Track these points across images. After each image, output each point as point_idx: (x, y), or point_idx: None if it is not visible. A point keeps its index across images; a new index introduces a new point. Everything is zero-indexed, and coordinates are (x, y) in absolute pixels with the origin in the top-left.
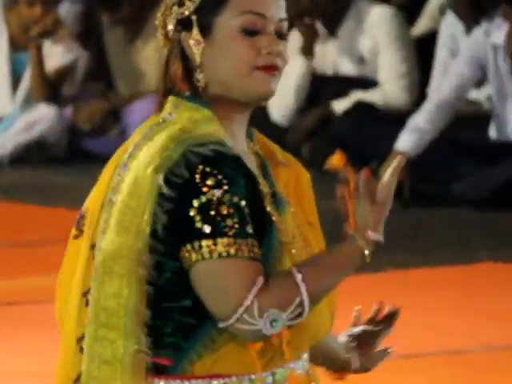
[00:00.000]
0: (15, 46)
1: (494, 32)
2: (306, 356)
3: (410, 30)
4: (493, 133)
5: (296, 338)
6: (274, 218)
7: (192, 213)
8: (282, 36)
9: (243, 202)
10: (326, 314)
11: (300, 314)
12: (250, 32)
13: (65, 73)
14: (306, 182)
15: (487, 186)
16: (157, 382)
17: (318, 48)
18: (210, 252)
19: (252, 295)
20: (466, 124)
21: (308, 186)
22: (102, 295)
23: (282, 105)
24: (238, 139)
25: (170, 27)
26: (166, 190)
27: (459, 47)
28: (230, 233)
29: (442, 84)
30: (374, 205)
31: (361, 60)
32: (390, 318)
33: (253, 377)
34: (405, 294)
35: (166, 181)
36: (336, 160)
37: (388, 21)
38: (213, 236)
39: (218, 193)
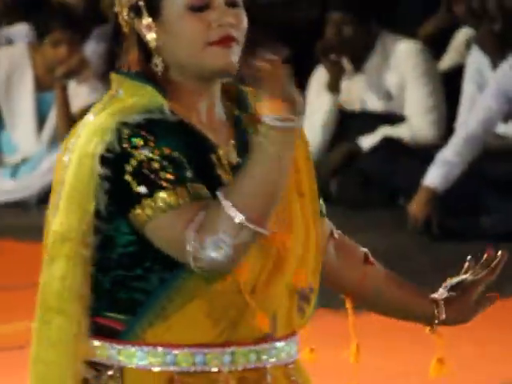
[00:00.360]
0: (40, 86)
1: None
2: (282, 346)
3: (436, 64)
4: None
5: (245, 316)
6: (224, 178)
7: (127, 179)
8: (234, 4)
9: (176, 153)
10: (281, 294)
11: (247, 230)
12: (198, 8)
13: None
14: (303, 152)
15: None
16: (107, 346)
17: (345, 84)
18: (153, 210)
19: (190, 232)
20: (493, 158)
21: (305, 156)
22: (50, 278)
23: (310, 140)
24: (203, 113)
25: (125, 16)
26: (102, 169)
27: (486, 81)
28: (166, 184)
29: (470, 118)
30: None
31: (387, 95)
32: (493, 265)
33: (206, 351)
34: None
35: (103, 159)
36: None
37: (414, 56)
38: (151, 194)
39: (146, 151)
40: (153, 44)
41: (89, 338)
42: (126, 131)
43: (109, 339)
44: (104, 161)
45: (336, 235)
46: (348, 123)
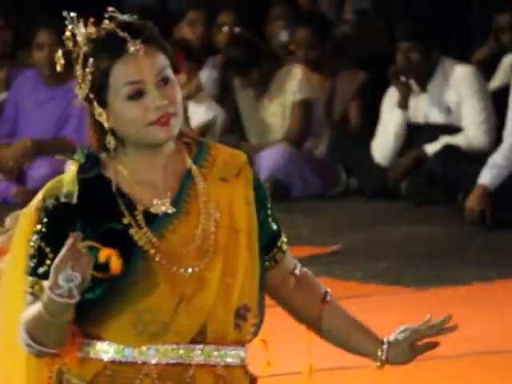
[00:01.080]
0: None
1: None
2: (211, 350)
3: (487, 84)
4: None
5: (174, 325)
6: (134, 235)
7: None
8: (165, 81)
9: (47, 248)
10: (217, 309)
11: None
12: (133, 96)
13: (207, 128)
14: (242, 192)
15: None
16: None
17: (412, 101)
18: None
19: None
20: None
21: (241, 194)
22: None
23: (383, 149)
24: (143, 170)
25: (80, 97)
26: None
27: None
28: (29, 271)
29: None
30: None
31: (447, 110)
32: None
33: (135, 347)
34: (492, 300)
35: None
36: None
37: (469, 77)
38: (28, 270)
39: (34, 238)
40: (106, 126)
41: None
42: (40, 214)
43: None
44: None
45: (297, 272)
46: (415, 134)
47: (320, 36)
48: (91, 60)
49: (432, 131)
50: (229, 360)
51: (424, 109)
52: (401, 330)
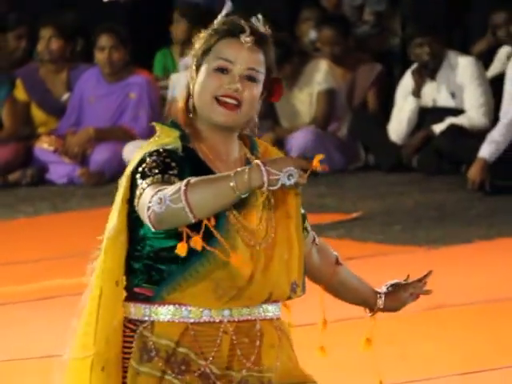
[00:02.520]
0: None
1: None
2: (270, 308)
3: (485, 72)
4: None
5: (249, 292)
6: None
7: (137, 177)
8: (251, 79)
9: (172, 161)
10: (278, 279)
11: (178, 194)
12: (219, 69)
13: None
14: (294, 197)
15: None
16: (142, 307)
17: (423, 89)
18: (139, 190)
19: (153, 196)
20: None
21: (294, 190)
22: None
23: (397, 130)
24: (220, 148)
25: (191, 68)
26: (130, 182)
27: None
28: (151, 175)
29: (509, 109)
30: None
31: (452, 95)
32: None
33: (211, 308)
34: (493, 255)
35: (132, 174)
36: (315, 164)
37: (471, 67)
38: (143, 180)
39: (153, 158)
40: (190, 88)
41: (129, 303)
42: (147, 157)
43: (143, 302)
44: (132, 176)
45: (317, 242)
46: (425, 116)
47: (342, 35)
48: (208, 32)
49: (439, 113)
50: (277, 313)
51: (433, 94)
52: (389, 284)
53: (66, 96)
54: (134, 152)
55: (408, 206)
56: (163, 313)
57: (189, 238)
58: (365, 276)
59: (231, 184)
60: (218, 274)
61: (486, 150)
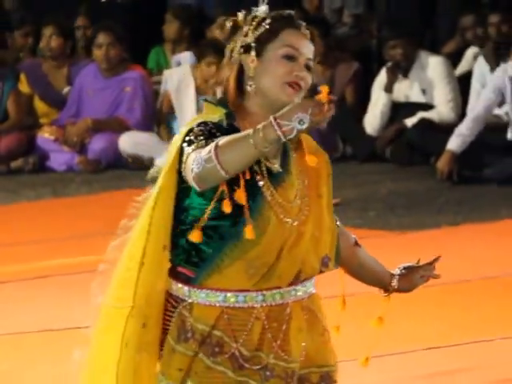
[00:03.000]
0: (199, 92)
1: (509, 69)
2: (300, 288)
3: (454, 71)
4: (510, 135)
5: (278, 269)
6: (260, 182)
7: (184, 146)
8: (308, 68)
9: (213, 130)
10: (306, 256)
11: (209, 154)
12: (288, 57)
13: None
14: (323, 166)
15: (508, 170)
16: (184, 287)
17: (396, 86)
18: (187, 154)
19: (194, 157)
20: (491, 130)
21: (324, 168)
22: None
23: (372, 123)
24: None
25: (236, 51)
26: (180, 149)
27: (486, 81)
28: (197, 141)
29: (476, 105)
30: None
31: (424, 91)
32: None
33: (245, 293)
34: (460, 240)
35: (182, 143)
36: (323, 96)
37: (441, 66)
38: (189, 147)
39: (200, 127)
40: (252, 72)
41: (172, 280)
42: (194, 127)
43: (185, 283)
44: (181, 147)
45: (339, 224)
46: (398, 110)
47: (323, 35)
48: (268, 21)
49: (411, 108)
50: (310, 289)
51: (406, 91)
52: (402, 267)
53: (66, 89)
54: (128, 142)
55: (382, 193)
56: (201, 296)
57: (217, 219)
58: None
59: (251, 141)
60: (250, 253)
61: (454, 143)
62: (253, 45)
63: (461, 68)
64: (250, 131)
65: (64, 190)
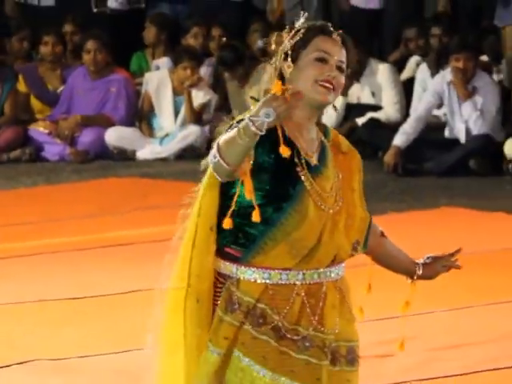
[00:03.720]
0: (175, 92)
1: (447, 75)
2: (334, 270)
3: (399, 76)
4: (447, 133)
5: (318, 253)
6: (300, 172)
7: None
8: (340, 70)
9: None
10: (341, 242)
11: (215, 152)
12: (320, 60)
13: (205, 106)
14: (356, 163)
15: (445, 163)
16: (232, 265)
17: (350, 89)
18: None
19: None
20: (431, 129)
21: (356, 165)
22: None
23: (329, 122)
24: (302, 127)
25: (278, 59)
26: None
27: (427, 86)
28: (230, 128)
29: (418, 107)
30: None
31: (373, 94)
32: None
33: (287, 272)
34: (404, 225)
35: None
36: (276, 89)
37: (388, 72)
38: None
39: (234, 126)
40: (288, 76)
41: (220, 259)
42: (234, 123)
43: (232, 262)
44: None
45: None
46: (351, 110)
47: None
48: (302, 31)
49: (362, 109)
50: (341, 273)
51: (357, 94)
52: (426, 257)
53: (60, 89)
54: (114, 136)
55: None
56: (248, 274)
57: (262, 205)
58: None
59: (237, 138)
60: (292, 236)
61: (399, 139)
62: (289, 52)
63: (405, 74)
64: (239, 128)
65: (56, 178)
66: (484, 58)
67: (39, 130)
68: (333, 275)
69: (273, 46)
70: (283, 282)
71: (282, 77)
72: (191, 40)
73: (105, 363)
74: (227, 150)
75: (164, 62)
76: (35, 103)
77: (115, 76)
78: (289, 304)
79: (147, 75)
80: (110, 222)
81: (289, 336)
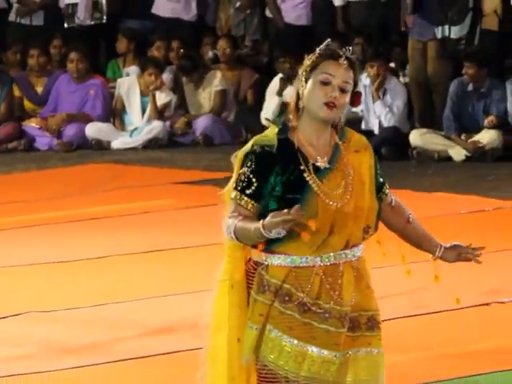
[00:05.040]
0: (143, 94)
1: (363, 79)
2: (350, 252)
3: None
4: (363, 126)
5: (331, 242)
6: (307, 177)
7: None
8: (343, 91)
9: (252, 178)
10: (351, 230)
11: (230, 232)
12: (324, 83)
13: (166, 106)
14: (367, 159)
15: None
16: (260, 254)
17: (286, 90)
18: (230, 198)
19: (228, 216)
20: (350, 122)
21: (367, 161)
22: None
23: (267, 114)
24: (313, 137)
25: (297, 80)
26: (242, 161)
27: None
28: (236, 188)
29: None
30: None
31: None
32: (477, 250)
33: (307, 256)
34: None
35: (243, 158)
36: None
37: None
38: (234, 189)
39: (244, 169)
40: (301, 94)
41: (252, 249)
42: (247, 160)
43: (262, 251)
44: (244, 157)
45: (394, 203)
46: (285, 107)
47: (233, 47)
48: (315, 56)
49: None
50: (358, 254)
51: (291, 94)
52: (453, 243)
53: (41, 90)
54: (92, 130)
55: None
56: (274, 260)
57: (277, 209)
58: None
59: (251, 235)
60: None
61: None
62: (303, 74)
63: None
64: (252, 228)
65: (46, 164)
66: (392, 64)
67: (32, 125)
68: (349, 256)
69: (299, 70)
70: (304, 265)
71: (298, 95)
72: (155, 51)
73: (83, 314)
74: (241, 238)
75: (133, 69)
76: (27, 104)
77: (93, 81)
78: (310, 283)
79: (119, 80)
80: (89, 199)
81: (313, 309)
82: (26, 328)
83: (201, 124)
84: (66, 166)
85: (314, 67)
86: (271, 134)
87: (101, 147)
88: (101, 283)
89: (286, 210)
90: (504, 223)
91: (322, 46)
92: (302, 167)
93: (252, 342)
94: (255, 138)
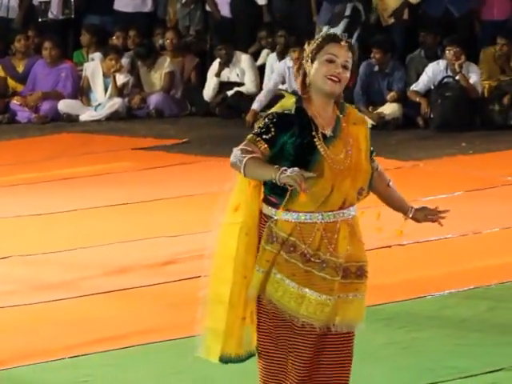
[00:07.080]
0: (105, 76)
1: (287, 62)
2: (346, 211)
3: (256, 62)
4: None
5: (331, 199)
6: (317, 143)
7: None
8: (345, 68)
9: (271, 125)
10: (348, 190)
11: (241, 161)
12: (329, 61)
13: (124, 85)
14: (363, 131)
15: None
16: (272, 209)
17: (223, 71)
18: (243, 143)
19: (238, 148)
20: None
21: (363, 133)
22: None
23: (207, 94)
24: (320, 109)
25: (303, 62)
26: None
27: (274, 69)
28: (253, 132)
29: (268, 83)
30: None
31: (238, 75)
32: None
33: (310, 213)
34: None
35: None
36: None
37: (248, 60)
38: (249, 135)
39: (262, 121)
40: (308, 73)
41: (264, 204)
42: (265, 117)
43: (272, 206)
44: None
45: (378, 169)
46: (224, 86)
47: (178, 42)
48: (319, 40)
49: (231, 85)
50: (353, 213)
51: (228, 74)
52: (422, 206)
53: (22, 70)
54: (64, 105)
55: (211, 134)
56: (283, 215)
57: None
58: None
59: (264, 174)
60: (313, 189)
61: (255, 105)
62: (309, 55)
63: (259, 61)
64: (270, 170)
65: (26, 134)
66: None
67: (14, 102)
68: (345, 215)
69: (304, 53)
70: (307, 221)
71: (305, 74)
72: (115, 40)
73: (57, 257)
74: (250, 173)
75: (97, 55)
76: (11, 83)
77: (64, 65)
78: (311, 237)
79: (86, 64)
80: (62, 163)
81: (312, 259)
82: (9, 269)
83: (153, 100)
84: (43, 135)
85: (319, 49)
86: (289, 102)
87: (71, 120)
88: (72, 232)
89: (301, 173)
90: (403, 180)
91: (323, 33)
92: (313, 133)
93: (258, 282)
94: (275, 107)
